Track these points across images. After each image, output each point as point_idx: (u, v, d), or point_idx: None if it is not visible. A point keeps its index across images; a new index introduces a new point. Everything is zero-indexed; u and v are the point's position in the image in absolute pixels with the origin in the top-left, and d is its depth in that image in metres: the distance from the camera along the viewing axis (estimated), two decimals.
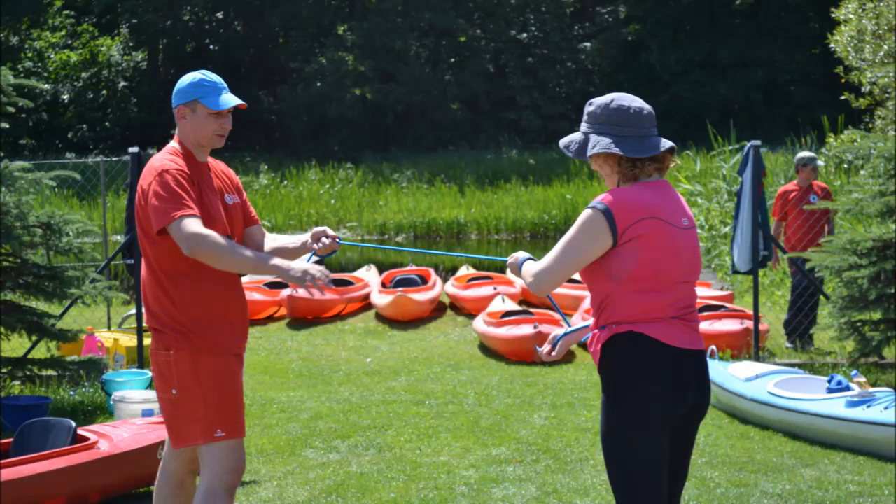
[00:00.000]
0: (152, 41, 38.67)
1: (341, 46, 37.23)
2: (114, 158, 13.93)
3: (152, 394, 7.72)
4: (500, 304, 12.25)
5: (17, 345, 10.13)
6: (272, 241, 4.89)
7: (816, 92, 34.92)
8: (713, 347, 9.27)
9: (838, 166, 19.22)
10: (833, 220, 11.23)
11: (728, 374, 8.59)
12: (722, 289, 14.21)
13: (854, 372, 7.87)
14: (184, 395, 4.57)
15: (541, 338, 10.50)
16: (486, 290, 13.21)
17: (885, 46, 15.09)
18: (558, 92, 37.77)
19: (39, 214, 8.72)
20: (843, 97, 16.69)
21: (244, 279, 10.27)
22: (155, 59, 38.87)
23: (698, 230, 9.34)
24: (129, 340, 10.33)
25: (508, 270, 4.49)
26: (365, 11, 38.18)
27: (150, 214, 4.54)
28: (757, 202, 10.28)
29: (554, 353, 4.47)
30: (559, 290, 12.54)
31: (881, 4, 15.36)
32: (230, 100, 4.70)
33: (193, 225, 4.45)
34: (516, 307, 12.26)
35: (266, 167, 31.41)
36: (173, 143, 4.74)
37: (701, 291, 12.28)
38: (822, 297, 10.87)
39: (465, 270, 15.07)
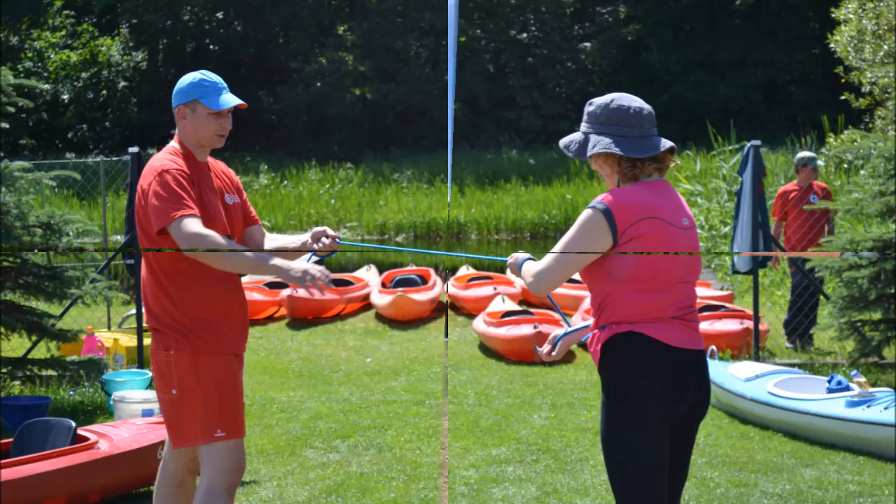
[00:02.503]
0: (152, 41, 38.69)
1: (341, 46, 37.24)
2: (114, 158, 13.92)
3: (152, 394, 7.72)
4: (500, 304, 12.25)
5: (17, 345, 10.12)
6: (272, 241, 4.89)
7: (816, 92, 34.94)
8: (713, 347, 9.27)
9: (838, 166, 19.22)
10: (833, 220, 11.22)
11: (728, 374, 8.58)
12: (722, 289, 14.21)
13: (854, 372, 7.87)
14: (184, 395, 4.57)
15: (541, 338, 10.50)
16: (486, 290, 13.21)
17: (885, 46, 15.09)
18: (558, 92, 37.77)
19: (39, 214, 8.71)
20: (843, 97, 16.69)
21: (244, 279, 10.26)
22: (155, 59, 38.88)
23: (698, 230, 9.33)
24: (129, 340, 10.33)
25: (508, 270, 4.48)
26: (365, 11, 38.19)
27: (150, 214, 4.54)
28: (757, 202, 10.28)
29: (554, 353, 4.47)
30: (559, 290, 12.54)
31: (881, 4, 15.36)
32: (230, 100, 4.70)
33: (193, 225, 4.45)
34: (516, 307, 12.26)
35: (266, 167, 31.41)
36: (173, 143, 4.74)
37: (701, 291, 12.28)
38: (822, 297, 10.87)
39: (465, 270, 15.07)
